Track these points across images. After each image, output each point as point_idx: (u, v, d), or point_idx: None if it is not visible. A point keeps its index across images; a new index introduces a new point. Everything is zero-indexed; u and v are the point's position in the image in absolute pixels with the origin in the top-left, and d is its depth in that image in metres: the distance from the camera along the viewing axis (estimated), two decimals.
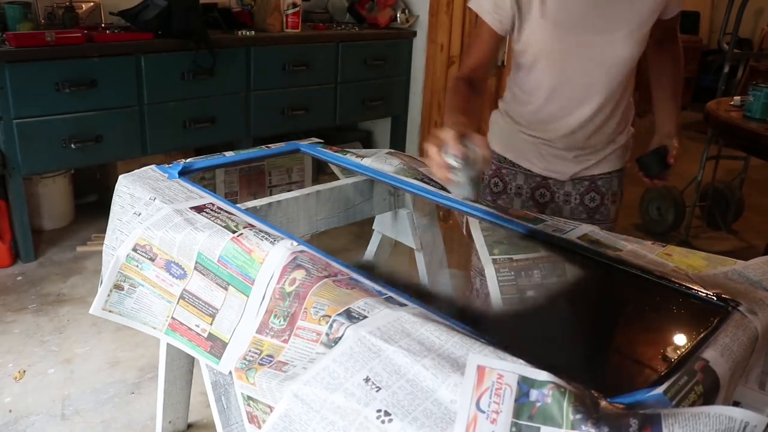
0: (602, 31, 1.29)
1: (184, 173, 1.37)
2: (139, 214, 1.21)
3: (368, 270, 1.02)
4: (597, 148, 1.45)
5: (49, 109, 2.45)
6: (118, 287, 1.21)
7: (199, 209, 1.19)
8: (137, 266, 1.19)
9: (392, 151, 1.59)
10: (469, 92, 1.33)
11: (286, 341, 0.93)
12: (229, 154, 1.53)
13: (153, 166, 1.38)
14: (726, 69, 3.23)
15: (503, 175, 1.55)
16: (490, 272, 1.24)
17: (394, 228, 1.66)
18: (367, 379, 0.78)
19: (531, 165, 1.51)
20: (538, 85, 1.40)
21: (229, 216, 1.16)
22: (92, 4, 2.88)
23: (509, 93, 1.49)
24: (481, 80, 1.40)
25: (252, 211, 1.29)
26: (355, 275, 0.99)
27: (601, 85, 1.35)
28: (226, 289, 1.06)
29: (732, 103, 2.74)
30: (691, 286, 1.00)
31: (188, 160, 1.44)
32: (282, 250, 1.02)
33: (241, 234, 1.07)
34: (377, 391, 0.77)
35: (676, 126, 1.44)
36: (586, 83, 1.35)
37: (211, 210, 1.18)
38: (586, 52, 1.31)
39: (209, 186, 1.53)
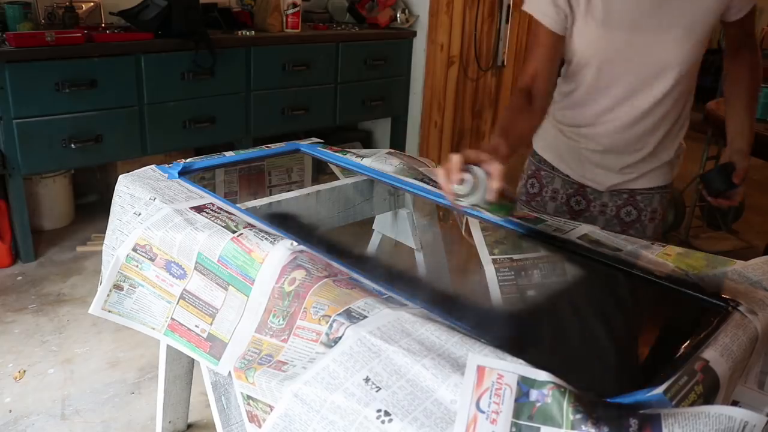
0: (653, 30, 1.24)
1: (184, 173, 1.37)
2: (139, 214, 1.21)
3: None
4: (638, 158, 1.39)
5: (49, 109, 2.45)
6: (117, 287, 1.21)
7: (199, 209, 1.19)
8: (137, 266, 1.19)
9: (392, 151, 1.59)
10: (521, 108, 1.25)
11: (285, 341, 0.93)
12: (229, 154, 1.53)
13: (153, 166, 1.38)
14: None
15: (541, 177, 1.52)
16: (490, 272, 1.24)
17: (394, 228, 1.66)
18: (367, 379, 0.78)
19: (570, 170, 1.47)
20: (584, 84, 1.35)
21: (229, 216, 1.16)
22: (92, 4, 2.88)
23: (556, 93, 1.43)
24: (543, 92, 1.30)
25: (252, 211, 1.29)
26: (355, 275, 0.99)
27: (650, 88, 1.30)
28: (226, 289, 1.06)
29: None
30: (691, 285, 1.00)
31: (188, 160, 1.44)
32: (282, 250, 1.02)
33: (241, 234, 1.07)
34: (377, 391, 0.77)
35: (748, 143, 1.36)
36: (633, 84, 1.30)
37: (211, 210, 1.19)
38: (636, 52, 1.26)
39: (209, 186, 1.53)
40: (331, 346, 0.85)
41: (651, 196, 1.45)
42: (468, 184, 0.97)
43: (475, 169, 0.98)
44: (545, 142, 1.51)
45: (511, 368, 0.73)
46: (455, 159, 0.97)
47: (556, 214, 1.49)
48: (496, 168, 0.97)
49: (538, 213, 1.51)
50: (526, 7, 1.32)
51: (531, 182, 1.55)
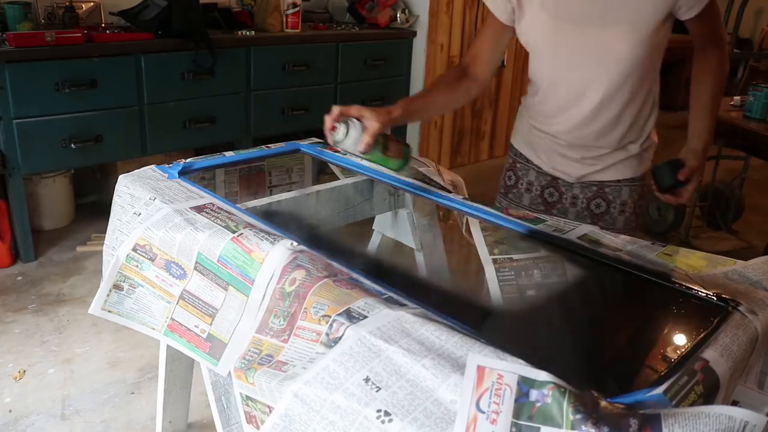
0: (600, 25, 1.26)
1: (184, 173, 1.37)
2: (139, 214, 1.21)
3: None
4: (603, 152, 1.42)
5: (49, 109, 2.45)
6: (117, 287, 1.21)
7: (199, 209, 1.19)
8: (137, 266, 1.19)
9: None
10: (446, 82, 1.39)
11: (285, 341, 0.93)
12: (229, 154, 1.53)
13: (153, 166, 1.38)
14: None
15: (517, 169, 1.56)
16: (490, 272, 1.24)
17: (394, 228, 1.66)
18: (367, 379, 0.78)
19: (541, 162, 1.50)
20: (540, 77, 1.40)
21: (229, 216, 1.16)
22: (92, 4, 2.88)
23: (528, 87, 1.49)
24: (478, 76, 1.41)
25: (252, 211, 1.29)
26: (355, 275, 0.99)
27: (600, 83, 1.32)
28: (225, 289, 1.06)
29: (732, 103, 2.74)
30: (691, 286, 1.00)
31: (188, 160, 1.44)
32: (282, 250, 1.02)
33: (241, 234, 1.07)
34: (377, 391, 0.77)
35: (704, 143, 1.35)
36: (584, 78, 1.33)
37: (211, 210, 1.18)
38: (584, 46, 1.29)
39: (209, 186, 1.53)
40: (331, 346, 0.85)
41: (619, 188, 1.47)
42: (339, 133, 1.15)
43: (353, 121, 1.15)
44: (520, 135, 1.55)
45: (511, 368, 0.73)
46: (334, 110, 1.16)
47: (531, 206, 1.54)
48: (371, 125, 1.15)
49: (517, 204, 1.56)
50: None
51: (508, 175, 1.59)
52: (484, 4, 1.40)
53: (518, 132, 1.56)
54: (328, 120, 1.16)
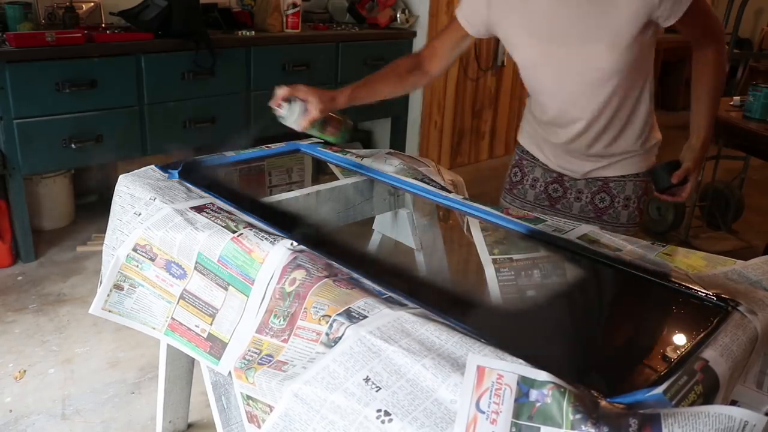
0: (580, 44, 1.27)
1: (184, 173, 1.37)
2: (139, 214, 1.22)
3: None
4: (602, 153, 1.43)
5: (49, 109, 2.45)
6: (117, 287, 1.21)
7: (199, 209, 1.19)
8: (137, 266, 1.19)
9: (392, 151, 1.59)
10: (396, 72, 1.45)
11: (285, 341, 0.93)
12: (229, 154, 1.53)
13: (153, 166, 1.38)
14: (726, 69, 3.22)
15: (523, 165, 1.58)
16: (490, 272, 1.24)
17: (394, 228, 1.66)
18: (367, 379, 0.78)
19: (547, 160, 1.52)
20: (531, 89, 1.43)
21: (229, 216, 1.16)
22: (92, 4, 2.88)
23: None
24: (430, 70, 1.47)
25: (252, 211, 1.29)
26: (355, 275, 0.99)
27: (588, 98, 1.33)
28: (226, 289, 1.06)
29: (732, 103, 2.74)
30: (691, 286, 1.00)
31: (188, 160, 1.44)
32: (282, 250, 1.02)
33: (241, 234, 1.08)
34: (377, 391, 0.77)
35: (702, 141, 1.35)
36: (572, 93, 1.34)
37: (211, 210, 1.19)
38: (567, 64, 1.30)
39: (209, 186, 1.53)
40: (331, 346, 0.85)
41: (623, 183, 1.48)
42: (284, 111, 1.29)
43: (297, 101, 1.28)
44: (527, 134, 1.57)
45: (511, 368, 0.73)
46: (281, 90, 1.29)
47: (535, 202, 1.56)
48: (313, 107, 1.28)
49: (521, 200, 1.59)
50: None
51: (514, 171, 1.61)
52: None
53: (525, 131, 1.57)
54: (275, 97, 1.28)
